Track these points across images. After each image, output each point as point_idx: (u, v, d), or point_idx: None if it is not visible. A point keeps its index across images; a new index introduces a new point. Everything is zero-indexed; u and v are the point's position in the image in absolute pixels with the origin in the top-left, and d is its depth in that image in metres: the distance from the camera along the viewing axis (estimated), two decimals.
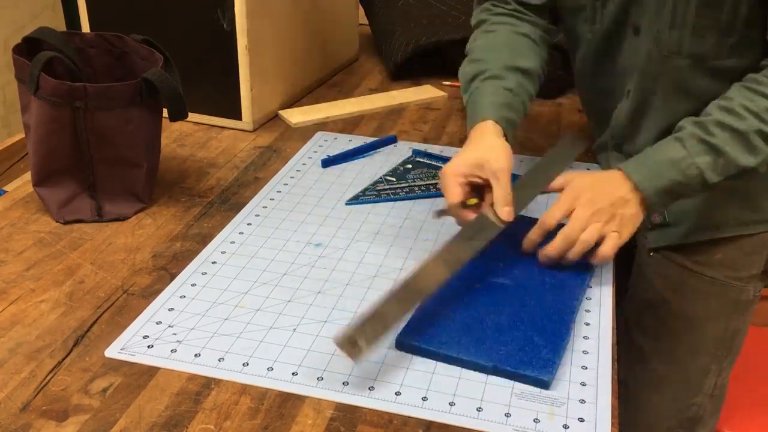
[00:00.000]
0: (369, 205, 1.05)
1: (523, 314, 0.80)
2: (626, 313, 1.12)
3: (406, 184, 1.10)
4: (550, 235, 0.88)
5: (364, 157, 1.20)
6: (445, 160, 1.11)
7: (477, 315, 0.79)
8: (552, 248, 0.87)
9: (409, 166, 1.16)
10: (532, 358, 0.73)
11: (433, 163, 1.18)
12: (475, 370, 0.73)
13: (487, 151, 0.90)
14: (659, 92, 0.96)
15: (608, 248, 0.86)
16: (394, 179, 1.11)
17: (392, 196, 1.07)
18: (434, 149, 1.22)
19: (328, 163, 1.16)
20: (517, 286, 0.85)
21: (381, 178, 1.12)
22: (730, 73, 0.90)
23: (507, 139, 0.94)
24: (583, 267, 0.88)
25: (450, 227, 0.96)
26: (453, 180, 0.89)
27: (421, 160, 1.18)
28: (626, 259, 1.10)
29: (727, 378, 1.13)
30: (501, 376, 0.72)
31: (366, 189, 1.08)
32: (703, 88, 0.92)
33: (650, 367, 1.12)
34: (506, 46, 1.02)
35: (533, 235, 0.89)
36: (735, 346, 1.10)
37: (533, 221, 0.91)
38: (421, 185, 1.10)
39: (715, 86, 0.91)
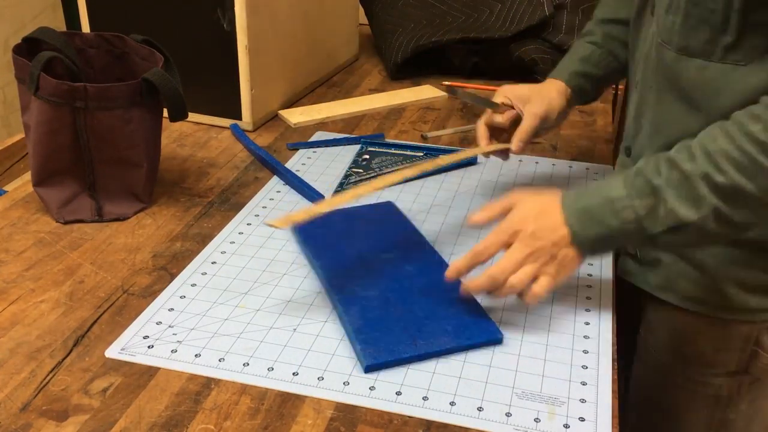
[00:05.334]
0: (359, 200, 1.05)
1: (437, 294, 0.83)
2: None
3: (376, 174, 1.12)
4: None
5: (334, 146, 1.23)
6: (393, 146, 1.22)
7: (410, 310, 0.80)
8: (474, 285, 0.78)
9: (367, 156, 1.18)
10: (475, 325, 0.78)
11: (384, 150, 1.21)
12: (435, 357, 0.75)
13: (535, 93, 1.02)
14: (654, 86, 0.88)
15: (539, 289, 0.76)
16: (362, 170, 1.13)
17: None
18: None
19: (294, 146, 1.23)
20: (419, 271, 0.87)
21: (349, 171, 1.13)
22: (730, 85, 0.78)
23: (572, 95, 1.04)
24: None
25: (441, 214, 0.96)
26: (499, 95, 1.04)
27: (373, 149, 1.21)
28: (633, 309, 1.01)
29: None
30: (457, 352, 0.76)
31: (341, 183, 1.09)
32: (692, 91, 0.82)
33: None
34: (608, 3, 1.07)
35: (462, 264, 0.79)
36: None
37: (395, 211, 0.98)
38: (389, 171, 1.12)
39: (708, 94, 0.80)
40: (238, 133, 1.26)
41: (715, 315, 0.91)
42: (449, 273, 0.80)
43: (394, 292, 0.83)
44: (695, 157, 0.73)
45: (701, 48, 0.79)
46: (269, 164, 1.14)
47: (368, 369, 0.73)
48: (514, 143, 0.99)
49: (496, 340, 0.77)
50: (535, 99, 1.01)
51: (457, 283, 0.81)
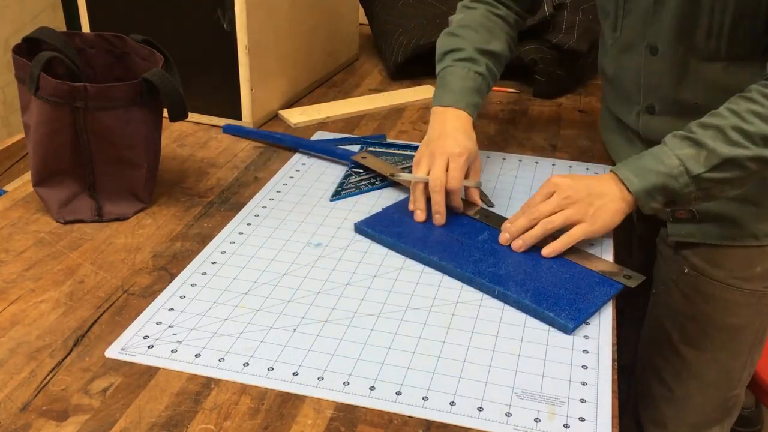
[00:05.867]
0: (359, 200, 1.05)
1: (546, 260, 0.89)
2: (666, 324, 1.16)
3: (376, 174, 1.12)
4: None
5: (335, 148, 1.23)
6: (393, 146, 1.22)
7: (550, 273, 0.87)
8: (512, 224, 0.90)
9: (365, 156, 1.16)
10: (600, 280, 0.85)
11: (384, 150, 1.20)
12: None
13: (451, 137, 1.01)
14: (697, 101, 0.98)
15: (573, 234, 0.89)
16: (362, 170, 1.13)
17: (370, 187, 1.09)
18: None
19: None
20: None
21: (349, 171, 1.13)
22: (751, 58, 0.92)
23: (474, 121, 1.06)
24: None
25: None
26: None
27: (373, 149, 1.20)
28: (646, 258, 1.15)
29: (756, 364, 1.18)
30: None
31: (341, 183, 1.09)
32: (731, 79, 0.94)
33: (699, 375, 1.15)
34: (482, 26, 1.11)
35: (519, 222, 0.91)
36: (764, 339, 1.14)
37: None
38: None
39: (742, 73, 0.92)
40: (236, 130, 1.26)
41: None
42: (506, 240, 0.91)
43: (521, 264, 0.88)
44: (724, 115, 0.86)
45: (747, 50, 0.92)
46: (285, 141, 1.18)
47: (572, 330, 0.78)
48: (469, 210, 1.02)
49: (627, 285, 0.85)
50: (451, 144, 1.01)
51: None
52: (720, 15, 0.91)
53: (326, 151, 1.18)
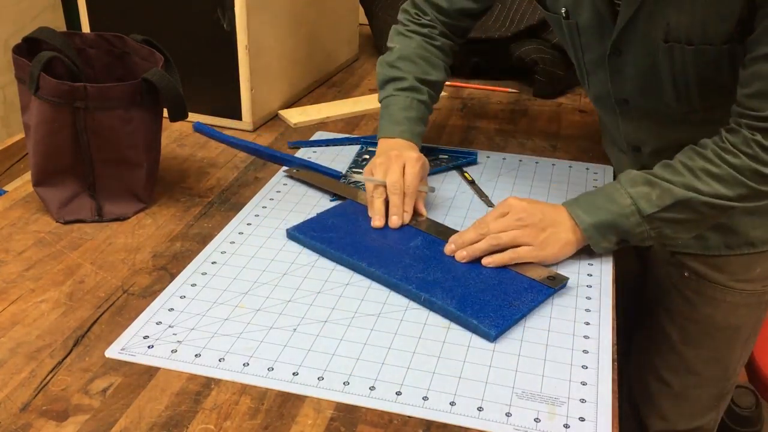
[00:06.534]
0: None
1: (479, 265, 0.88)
2: (666, 326, 1.17)
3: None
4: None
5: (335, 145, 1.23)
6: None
7: (478, 280, 0.86)
8: (460, 237, 0.89)
9: (366, 156, 1.16)
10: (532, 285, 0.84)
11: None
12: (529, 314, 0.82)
13: (405, 147, 1.04)
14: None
15: (519, 252, 0.87)
16: (362, 171, 1.09)
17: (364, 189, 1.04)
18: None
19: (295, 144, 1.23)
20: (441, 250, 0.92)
21: (348, 171, 1.11)
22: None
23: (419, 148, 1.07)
24: None
25: (441, 214, 0.96)
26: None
27: (373, 149, 1.15)
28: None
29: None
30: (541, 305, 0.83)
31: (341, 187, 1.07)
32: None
33: (698, 372, 1.17)
34: (420, 57, 1.12)
35: (467, 234, 0.90)
36: (758, 331, 1.16)
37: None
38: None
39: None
40: (205, 131, 1.26)
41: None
42: (450, 251, 0.90)
43: (450, 270, 0.87)
44: (678, 170, 0.86)
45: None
46: (250, 149, 1.18)
47: (494, 338, 0.77)
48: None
49: (562, 287, 0.85)
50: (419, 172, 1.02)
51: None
52: (683, 83, 0.91)
53: (281, 161, 1.18)
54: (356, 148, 1.22)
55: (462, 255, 0.88)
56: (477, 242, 0.88)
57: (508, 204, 0.91)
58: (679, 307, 1.13)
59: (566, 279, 0.86)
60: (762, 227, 1.03)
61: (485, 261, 0.88)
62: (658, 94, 0.95)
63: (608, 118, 1.08)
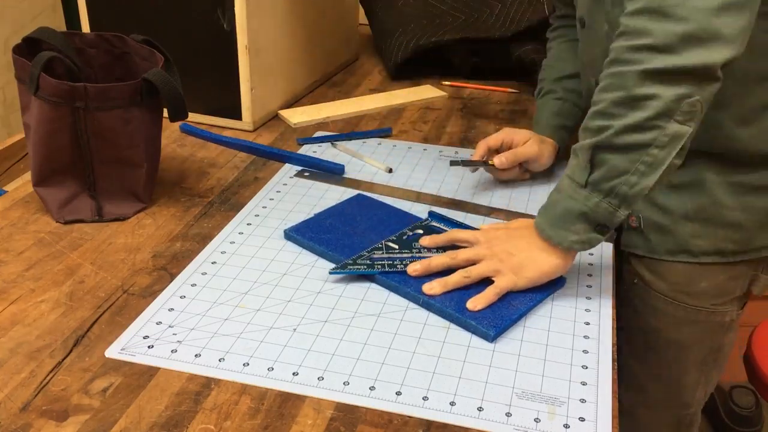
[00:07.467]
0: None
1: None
2: (619, 336, 1.11)
3: (409, 255, 0.89)
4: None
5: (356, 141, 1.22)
6: (462, 226, 0.97)
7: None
8: (429, 262, 0.86)
9: (420, 231, 0.94)
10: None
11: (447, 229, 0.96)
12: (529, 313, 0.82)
13: (535, 138, 1.11)
14: None
15: (498, 287, 0.82)
16: (396, 247, 0.91)
17: (386, 269, 0.87)
18: (458, 216, 1.01)
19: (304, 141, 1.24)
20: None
21: (381, 243, 0.91)
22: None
23: (559, 150, 1.13)
24: None
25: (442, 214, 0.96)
26: (501, 135, 1.11)
27: (436, 225, 0.97)
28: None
29: (716, 383, 1.15)
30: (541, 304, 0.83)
31: (360, 255, 0.89)
32: None
33: (645, 389, 1.12)
34: (557, 59, 1.19)
35: (436, 260, 0.86)
36: (721, 358, 1.10)
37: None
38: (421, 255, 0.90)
39: None
40: (192, 131, 1.26)
41: (728, 261, 1.00)
42: (412, 271, 0.86)
43: (448, 272, 0.85)
44: (585, 128, 0.81)
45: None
46: (242, 146, 1.19)
47: (493, 338, 0.77)
48: (498, 158, 1.08)
49: (561, 287, 0.86)
50: (533, 141, 1.10)
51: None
52: None
53: (278, 157, 1.18)
54: (360, 142, 1.22)
55: (435, 290, 0.83)
56: (447, 270, 0.85)
57: (478, 235, 0.88)
58: (629, 317, 1.08)
59: (564, 278, 0.86)
60: (703, 237, 0.98)
61: (470, 306, 0.81)
62: (604, 5, 0.94)
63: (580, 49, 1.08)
